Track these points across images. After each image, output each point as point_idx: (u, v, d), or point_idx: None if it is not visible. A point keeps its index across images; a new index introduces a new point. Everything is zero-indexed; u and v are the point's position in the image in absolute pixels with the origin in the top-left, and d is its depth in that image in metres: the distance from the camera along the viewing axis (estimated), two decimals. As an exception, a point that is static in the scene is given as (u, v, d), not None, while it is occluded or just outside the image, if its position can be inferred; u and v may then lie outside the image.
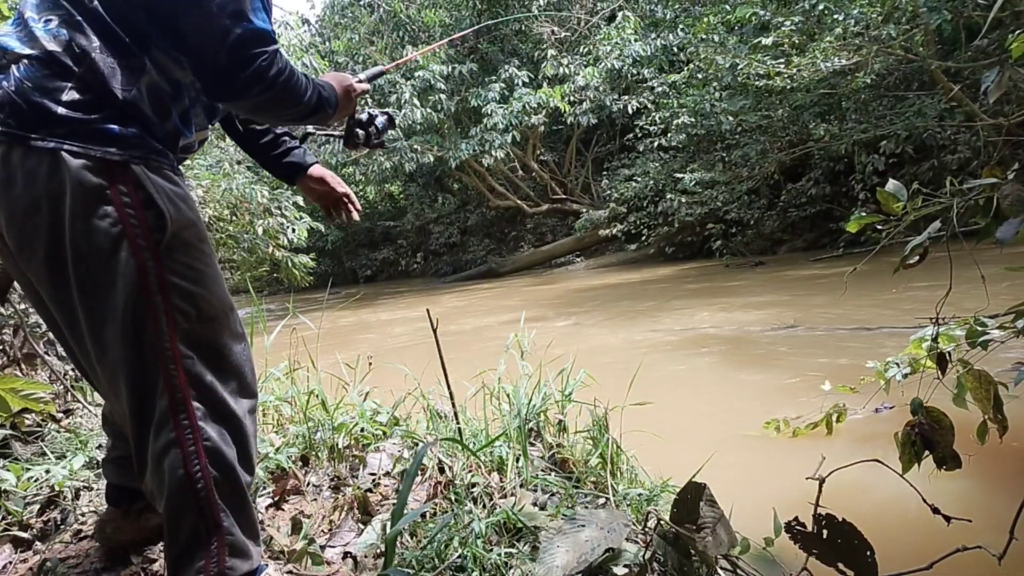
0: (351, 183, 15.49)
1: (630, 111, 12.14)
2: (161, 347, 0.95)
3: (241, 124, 1.36)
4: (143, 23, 0.95)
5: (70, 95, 0.89)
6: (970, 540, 1.02)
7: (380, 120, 1.38)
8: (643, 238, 12.60)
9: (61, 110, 0.88)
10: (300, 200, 9.47)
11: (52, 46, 0.90)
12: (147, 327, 0.94)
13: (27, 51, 0.90)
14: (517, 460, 1.62)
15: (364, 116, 1.35)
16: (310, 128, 1.43)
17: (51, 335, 2.63)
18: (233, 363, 1.05)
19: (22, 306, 2.32)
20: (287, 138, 1.42)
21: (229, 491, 1.00)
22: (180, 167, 1.06)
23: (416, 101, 11.86)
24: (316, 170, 1.44)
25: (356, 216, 1.52)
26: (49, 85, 0.88)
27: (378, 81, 11.98)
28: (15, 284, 2.17)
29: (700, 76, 9.56)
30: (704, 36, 8.73)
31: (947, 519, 1.08)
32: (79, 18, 0.92)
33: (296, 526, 1.38)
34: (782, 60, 7.60)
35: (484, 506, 1.46)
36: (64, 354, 2.64)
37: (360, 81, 1.26)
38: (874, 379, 2.28)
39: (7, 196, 0.90)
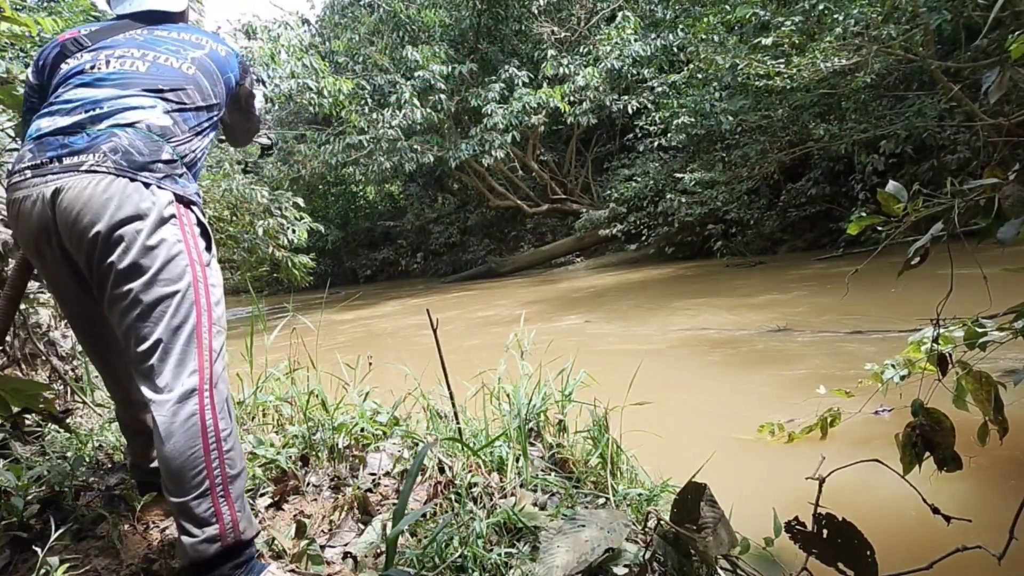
0: (351, 183, 15.53)
1: (630, 111, 12.13)
2: (201, 335, 1.21)
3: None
4: (213, 129, 1.45)
5: (166, 155, 1.26)
6: (970, 540, 1.02)
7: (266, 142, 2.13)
8: (643, 238, 12.59)
9: (160, 164, 1.24)
10: (300, 200, 9.47)
11: (162, 122, 1.29)
12: (193, 318, 1.21)
13: (139, 119, 1.27)
14: (517, 460, 1.62)
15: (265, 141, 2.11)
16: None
17: (52, 335, 2.63)
18: (224, 360, 1.30)
19: (23, 305, 2.31)
20: None
21: (234, 462, 1.20)
22: None
23: (416, 101, 11.86)
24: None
25: None
26: (155, 147, 1.25)
27: (378, 81, 11.88)
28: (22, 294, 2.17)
29: (700, 76, 9.55)
30: (704, 36, 8.71)
31: (947, 519, 1.08)
32: (182, 107, 1.35)
33: (300, 528, 1.38)
34: (782, 60, 7.59)
35: (484, 506, 1.46)
36: (66, 354, 2.64)
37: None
38: (873, 381, 2.28)
39: (105, 212, 1.16)
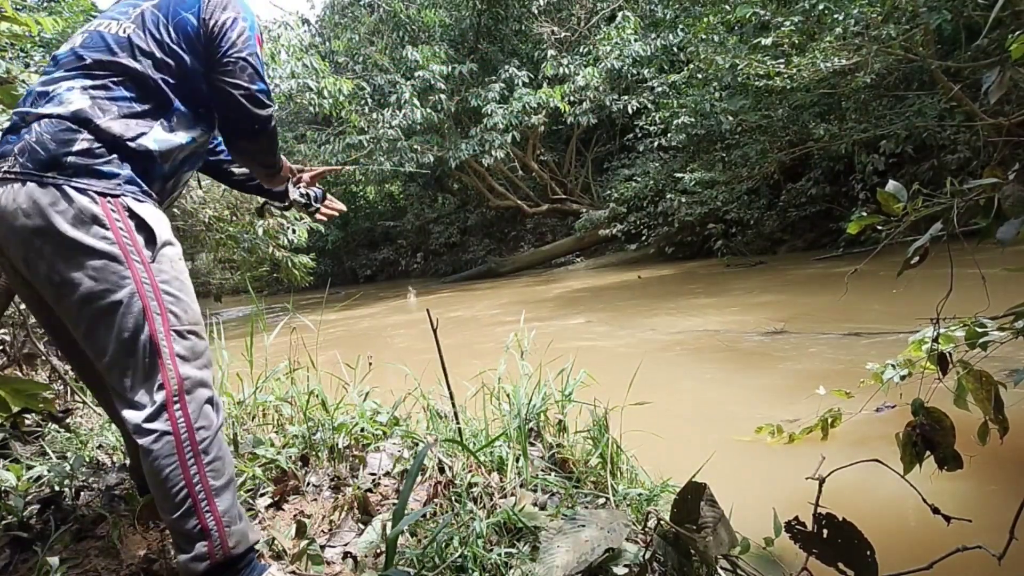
0: (351, 183, 15.53)
1: (630, 111, 12.14)
2: (159, 343, 1.09)
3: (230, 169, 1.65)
4: (178, 90, 1.22)
5: (81, 145, 1.09)
6: (970, 540, 1.02)
7: (316, 192, 1.75)
8: (643, 238, 12.60)
9: (71, 158, 1.08)
10: (300, 200, 9.45)
11: (77, 105, 1.11)
12: (146, 327, 1.09)
13: (50, 111, 1.11)
14: (517, 460, 1.62)
15: (298, 195, 1.70)
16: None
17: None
18: (209, 359, 1.20)
19: (23, 306, 2.32)
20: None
21: (219, 472, 1.12)
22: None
23: (416, 101, 11.86)
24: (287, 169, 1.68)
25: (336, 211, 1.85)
26: (64, 137, 1.09)
27: (378, 81, 11.85)
28: (15, 299, 2.18)
29: (700, 76, 9.55)
30: (704, 36, 8.71)
31: (947, 519, 1.08)
32: (107, 82, 1.15)
33: (300, 528, 1.38)
34: (782, 60, 7.59)
35: (484, 506, 1.46)
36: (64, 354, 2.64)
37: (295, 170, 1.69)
38: (873, 382, 2.28)
39: (16, 223, 1.05)
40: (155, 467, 1.06)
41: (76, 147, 1.08)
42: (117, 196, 1.11)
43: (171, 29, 1.20)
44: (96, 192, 1.08)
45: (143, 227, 1.12)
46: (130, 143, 1.14)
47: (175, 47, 1.20)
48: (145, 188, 1.17)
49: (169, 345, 1.10)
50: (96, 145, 1.10)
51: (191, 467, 1.08)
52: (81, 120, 1.10)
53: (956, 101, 7.37)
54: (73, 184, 1.07)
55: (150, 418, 1.07)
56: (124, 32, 1.18)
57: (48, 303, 1.14)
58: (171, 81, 1.20)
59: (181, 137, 1.23)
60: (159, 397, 1.07)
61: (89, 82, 1.14)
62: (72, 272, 1.06)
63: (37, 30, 2.27)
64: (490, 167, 14.31)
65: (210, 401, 1.14)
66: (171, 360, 1.09)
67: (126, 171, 1.14)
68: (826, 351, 3.64)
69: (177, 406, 1.08)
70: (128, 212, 1.11)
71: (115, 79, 1.16)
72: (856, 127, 8.62)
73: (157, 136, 1.18)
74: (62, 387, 2.49)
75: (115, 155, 1.12)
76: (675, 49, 11.67)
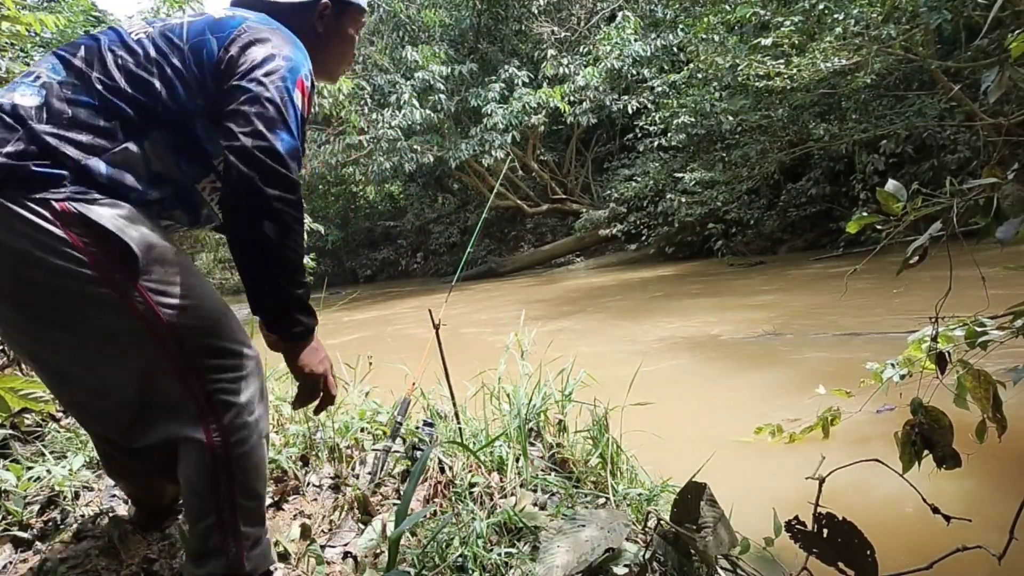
0: (351, 183, 15.52)
1: (630, 111, 12.14)
2: (174, 367, 0.96)
3: None
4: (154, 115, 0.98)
5: (15, 146, 0.88)
6: (970, 540, 1.02)
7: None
8: (643, 238, 12.60)
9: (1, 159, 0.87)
10: (300, 200, 9.45)
11: (27, 102, 0.92)
12: (153, 352, 0.94)
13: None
14: (517, 460, 1.62)
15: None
16: None
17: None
18: (252, 359, 1.05)
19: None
20: None
21: (251, 496, 1.03)
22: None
23: (416, 101, 11.86)
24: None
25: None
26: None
27: (378, 81, 11.82)
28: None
29: (700, 76, 9.55)
30: (704, 36, 8.71)
31: (947, 519, 1.08)
32: (73, 94, 0.94)
33: (305, 532, 1.38)
34: (782, 60, 7.59)
35: (485, 506, 1.46)
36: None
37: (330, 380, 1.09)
38: (873, 381, 2.28)
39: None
40: (186, 476, 1.01)
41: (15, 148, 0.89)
42: (79, 199, 0.92)
43: (185, 50, 1.00)
44: (55, 209, 0.89)
45: (105, 240, 0.91)
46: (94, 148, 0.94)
47: (178, 67, 0.99)
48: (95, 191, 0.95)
49: (186, 361, 0.97)
50: (44, 148, 0.90)
51: (221, 484, 0.99)
52: (30, 118, 0.91)
53: (956, 101, 7.37)
54: (28, 201, 0.88)
55: (187, 425, 0.98)
56: (137, 35, 1.01)
57: None
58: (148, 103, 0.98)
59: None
60: (193, 432, 0.98)
61: (48, 76, 0.95)
62: (52, 314, 0.93)
63: (40, 28, 2.27)
64: (490, 167, 14.30)
65: (248, 414, 1.02)
66: (202, 387, 0.97)
67: (96, 167, 0.93)
68: (826, 351, 3.64)
69: (213, 423, 0.98)
70: (85, 221, 0.90)
71: (74, 75, 0.96)
72: (856, 127, 8.62)
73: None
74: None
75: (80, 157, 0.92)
76: (675, 49, 11.67)
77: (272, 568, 1.12)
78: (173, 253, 0.99)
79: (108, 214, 0.91)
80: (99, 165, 0.93)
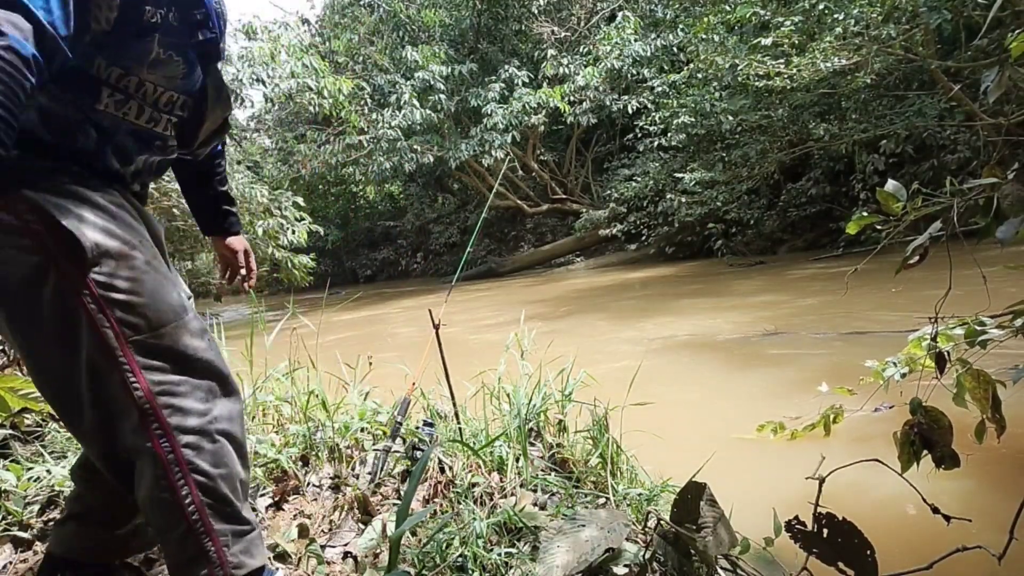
0: (351, 183, 15.53)
1: (630, 111, 12.15)
2: (117, 365, 0.92)
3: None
4: None
5: None
6: (970, 540, 1.02)
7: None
8: (643, 238, 12.62)
9: None
10: (300, 200, 9.48)
11: None
12: (97, 350, 0.91)
13: None
14: (517, 460, 1.62)
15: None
16: None
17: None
18: (202, 363, 1.00)
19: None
20: (227, 201, 1.43)
21: (217, 498, 0.98)
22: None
23: (416, 101, 11.87)
24: (236, 240, 1.46)
25: (249, 287, 1.54)
26: None
27: (378, 81, 11.80)
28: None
29: (700, 76, 9.55)
30: (704, 36, 8.72)
31: (947, 519, 1.08)
32: None
33: (303, 531, 1.38)
34: (782, 60, 7.60)
35: (484, 506, 1.46)
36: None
37: None
38: (873, 379, 2.28)
39: None
40: (144, 488, 0.96)
41: None
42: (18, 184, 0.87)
43: None
44: None
45: (55, 226, 0.87)
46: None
47: None
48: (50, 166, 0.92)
49: (131, 363, 0.92)
50: None
51: (180, 491, 0.94)
52: None
53: (956, 101, 7.37)
54: None
55: (135, 432, 0.94)
56: None
57: None
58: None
59: None
60: (137, 442, 0.94)
61: None
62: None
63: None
64: (490, 167, 14.31)
65: (197, 417, 0.97)
66: (136, 379, 0.92)
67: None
68: (826, 350, 3.64)
69: (158, 428, 0.93)
70: (29, 204, 0.87)
71: None
72: (856, 127, 8.63)
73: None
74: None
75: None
76: (675, 49, 11.68)
77: (264, 564, 1.06)
78: (130, 247, 0.94)
79: (54, 201, 0.88)
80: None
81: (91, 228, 0.90)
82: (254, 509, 1.47)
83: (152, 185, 1.22)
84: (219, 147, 1.36)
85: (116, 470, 1.00)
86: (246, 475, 1.05)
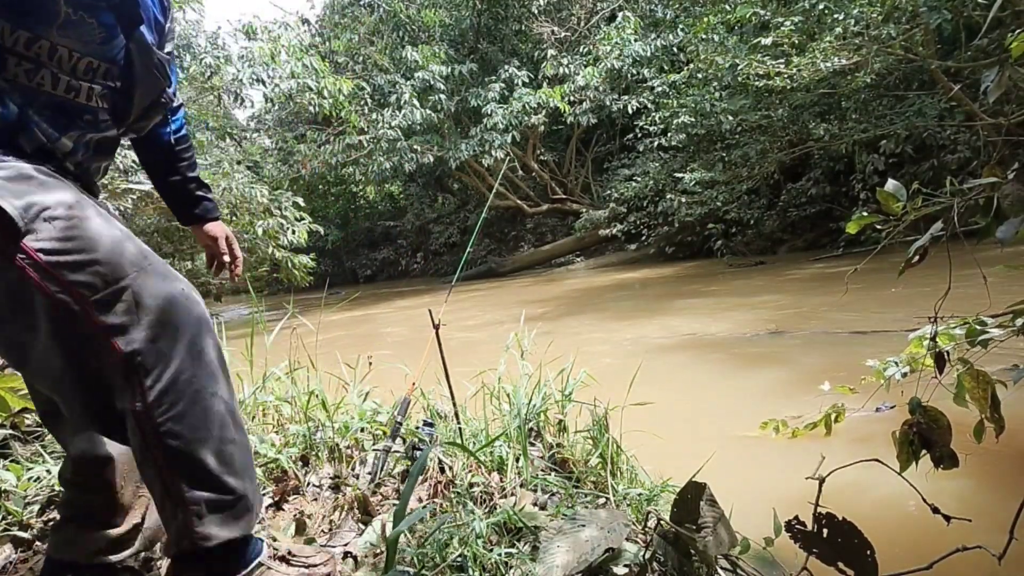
0: (351, 183, 15.54)
1: (630, 111, 12.16)
2: (85, 330, 0.87)
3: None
4: None
5: None
6: (970, 540, 1.02)
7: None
8: (643, 238, 12.62)
9: None
10: (300, 200, 9.48)
11: None
12: (60, 321, 0.87)
13: None
14: (517, 460, 1.62)
15: None
16: None
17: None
18: (176, 308, 0.94)
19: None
20: (199, 186, 1.39)
21: (192, 463, 0.95)
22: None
23: (416, 101, 11.87)
24: (215, 226, 1.42)
25: (235, 275, 1.48)
26: None
27: (378, 81, 11.84)
28: None
29: (700, 76, 9.56)
30: (704, 36, 8.73)
31: (947, 519, 1.08)
32: None
33: (300, 527, 1.38)
34: (782, 60, 7.60)
35: (484, 505, 1.46)
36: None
37: None
38: (874, 379, 2.28)
39: None
40: (135, 452, 0.95)
41: None
42: None
43: None
44: None
45: None
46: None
47: None
48: None
49: (96, 325, 0.88)
50: None
51: (153, 449, 0.92)
52: None
53: (956, 101, 7.38)
54: None
55: (117, 393, 0.92)
56: None
57: None
58: None
59: None
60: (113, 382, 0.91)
61: None
62: None
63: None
64: (490, 167, 14.32)
65: (171, 373, 0.92)
66: (106, 341, 0.88)
67: None
68: (826, 350, 3.64)
69: (135, 386, 0.91)
70: None
71: None
72: (856, 127, 8.64)
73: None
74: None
75: None
76: (675, 49, 11.69)
77: (246, 534, 1.03)
78: (66, 207, 0.88)
79: None
80: None
81: (13, 195, 0.83)
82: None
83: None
84: (180, 129, 1.32)
85: (123, 440, 0.99)
86: (240, 437, 1.01)
